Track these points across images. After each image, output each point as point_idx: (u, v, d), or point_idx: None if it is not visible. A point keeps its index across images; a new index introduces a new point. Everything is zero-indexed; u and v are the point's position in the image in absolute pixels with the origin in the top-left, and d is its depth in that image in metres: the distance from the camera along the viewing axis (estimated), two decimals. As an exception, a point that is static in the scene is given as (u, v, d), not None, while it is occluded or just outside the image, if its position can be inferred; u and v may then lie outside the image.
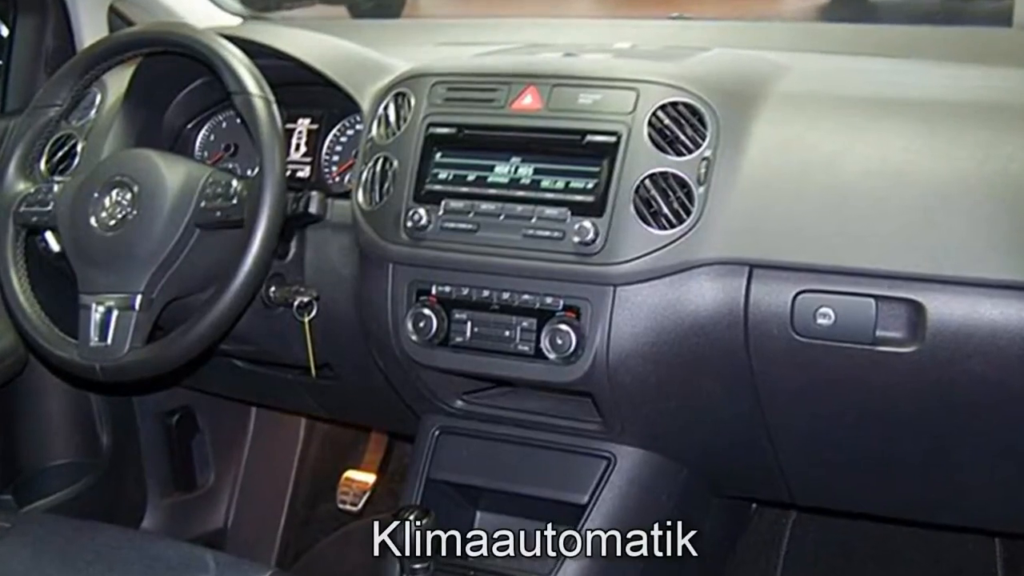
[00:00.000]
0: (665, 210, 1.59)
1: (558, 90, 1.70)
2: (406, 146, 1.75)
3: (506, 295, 1.68)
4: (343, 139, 1.99)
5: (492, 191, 1.69)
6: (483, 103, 1.73)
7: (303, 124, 2.02)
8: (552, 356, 1.65)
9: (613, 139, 1.63)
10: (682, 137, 1.61)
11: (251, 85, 1.74)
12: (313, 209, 1.81)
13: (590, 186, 1.63)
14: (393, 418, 2.00)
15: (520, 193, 1.67)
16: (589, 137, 1.65)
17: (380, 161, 1.77)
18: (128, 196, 1.77)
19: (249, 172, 1.95)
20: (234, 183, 1.74)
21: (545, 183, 1.66)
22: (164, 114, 2.04)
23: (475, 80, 1.76)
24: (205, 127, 2.10)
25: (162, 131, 2.04)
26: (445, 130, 1.73)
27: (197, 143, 2.09)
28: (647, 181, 1.60)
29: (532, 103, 1.70)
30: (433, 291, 1.72)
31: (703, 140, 1.61)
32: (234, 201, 1.73)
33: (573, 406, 1.75)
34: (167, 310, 1.79)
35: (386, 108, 1.80)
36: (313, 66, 1.88)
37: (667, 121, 1.62)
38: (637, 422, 1.71)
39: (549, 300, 1.65)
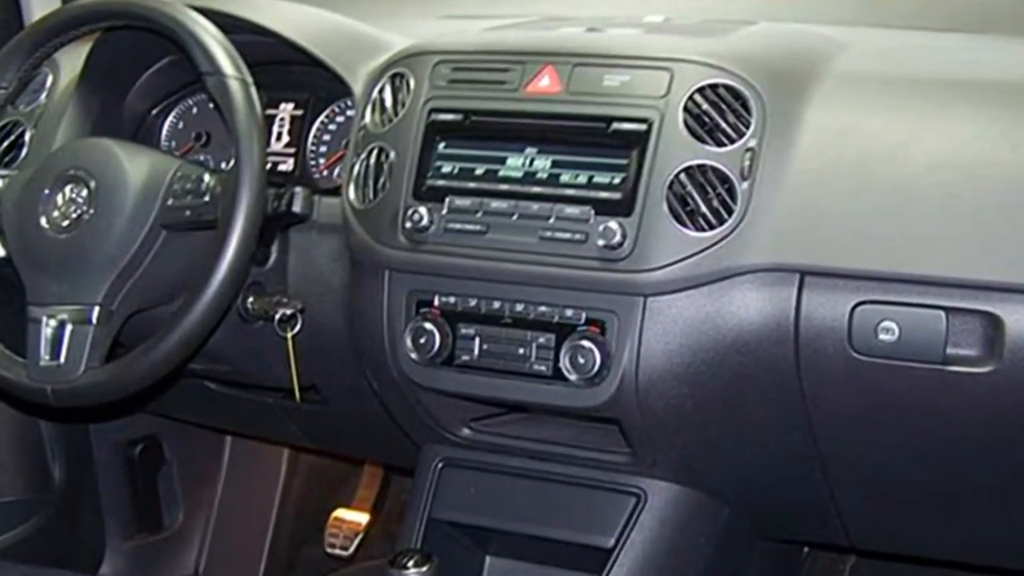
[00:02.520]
0: (703, 209, 1.59)
1: (580, 70, 1.70)
2: (404, 135, 1.75)
3: (520, 307, 1.68)
4: (332, 127, 2.00)
5: (504, 187, 1.69)
6: (493, 85, 1.74)
7: (286, 110, 2.03)
8: (573, 377, 1.65)
9: (643, 127, 1.63)
10: (723, 124, 1.61)
11: (225, 65, 1.74)
12: (297, 208, 1.80)
13: (617, 181, 1.63)
14: (389, 449, 2.00)
15: (536, 189, 1.67)
16: (615, 124, 1.65)
17: (374, 152, 1.77)
18: (84, 193, 1.77)
19: (223, 165, 1.96)
20: (206, 178, 1.75)
21: (565, 178, 1.67)
22: (125, 98, 2.05)
23: (484, 59, 1.77)
24: (172, 113, 2.11)
25: (123, 118, 2.05)
26: (449, 116, 1.74)
27: (163, 132, 2.10)
28: (682, 175, 1.60)
29: (550, 85, 1.71)
30: (436, 302, 1.72)
31: (747, 128, 1.61)
32: (206, 198, 1.73)
33: (597, 435, 1.75)
34: (129, 324, 1.79)
35: (381, 91, 1.80)
36: (297, 42, 1.89)
37: (705, 106, 1.62)
38: (671, 453, 1.71)
39: (569, 313, 1.66)
